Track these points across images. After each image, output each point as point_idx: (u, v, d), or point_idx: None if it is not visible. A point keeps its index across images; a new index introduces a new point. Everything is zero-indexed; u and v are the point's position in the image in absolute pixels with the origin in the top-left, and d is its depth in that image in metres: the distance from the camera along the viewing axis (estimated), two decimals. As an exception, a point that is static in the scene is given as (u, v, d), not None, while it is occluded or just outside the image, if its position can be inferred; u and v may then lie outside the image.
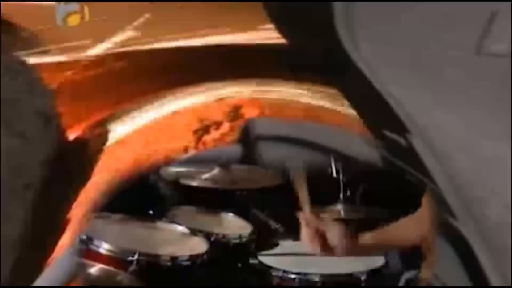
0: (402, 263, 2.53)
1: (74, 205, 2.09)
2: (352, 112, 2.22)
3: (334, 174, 2.88)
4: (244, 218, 2.77)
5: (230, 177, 2.77)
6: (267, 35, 1.97)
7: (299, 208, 2.11)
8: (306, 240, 2.04)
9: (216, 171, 2.77)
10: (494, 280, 1.39)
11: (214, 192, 2.75)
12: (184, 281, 2.27)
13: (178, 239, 2.46)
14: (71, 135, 1.99)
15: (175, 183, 2.80)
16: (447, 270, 1.60)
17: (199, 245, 2.38)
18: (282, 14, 1.78)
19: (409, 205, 1.99)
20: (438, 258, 1.76)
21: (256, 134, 2.97)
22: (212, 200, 2.80)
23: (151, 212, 2.73)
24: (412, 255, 2.20)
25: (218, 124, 2.69)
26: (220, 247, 2.48)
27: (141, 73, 2.12)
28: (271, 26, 1.86)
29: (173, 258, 2.25)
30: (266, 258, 2.40)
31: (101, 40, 1.95)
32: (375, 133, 1.86)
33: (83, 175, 2.15)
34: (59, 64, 1.91)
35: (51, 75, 1.88)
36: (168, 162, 2.72)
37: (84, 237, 2.21)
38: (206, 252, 2.33)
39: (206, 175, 2.75)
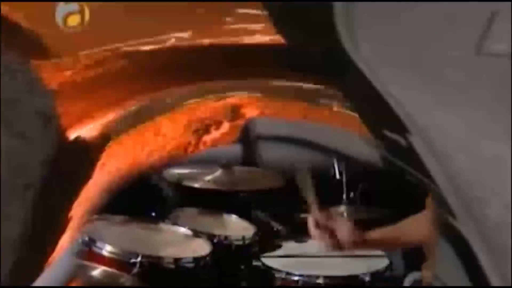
0: (405, 264, 2.54)
1: (74, 205, 2.09)
2: (352, 112, 2.22)
3: (337, 175, 2.89)
4: (247, 219, 2.77)
5: (232, 178, 2.78)
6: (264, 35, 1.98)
7: (304, 210, 2.11)
8: (317, 238, 2.05)
9: (218, 172, 2.78)
10: (494, 280, 1.39)
11: (216, 193, 2.75)
12: (187, 283, 2.27)
13: (180, 241, 2.46)
14: (71, 135, 1.99)
15: (177, 184, 2.81)
16: (447, 270, 1.60)
17: (202, 247, 2.39)
18: (282, 14, 1.78)
19: (410, 205, 1.99)
20: (438, 258, 1.76)
21: (256, 134, 2.98)
22: (214, 201, 2.81)
23: (153, 213, 2.74)
24: (415, 257, 2.20)
25: (218, 124, 2.69)
26: (223, 248, 2.48)
27: (141, 73, 2.12)
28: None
29: (176, 260, 2.25)
30: (269, 260, 2.41)
31: (101, 40, 1.95)
32: (375, 133, 1.86)
33: (83, 175, 2.15)
34: (59, 64, 1.91)
35: (51, 75, 1.88)
36: (168, 162, 2.72)
37: (86, 238, 2.21)
38: (209, 254, 2.33)
39: (208, 177, 2.75)
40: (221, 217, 2.80)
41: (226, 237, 2.54)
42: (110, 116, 2.21)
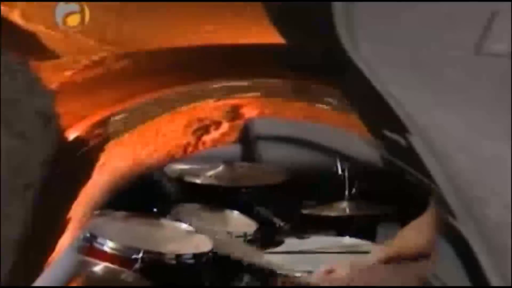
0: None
1: (74, 205, 2.09)
2: (352, 112, 2.22)
3: (340, 172, 2.89)
4: (249, 215, 2.77)
5: (234, 174, 2.77)
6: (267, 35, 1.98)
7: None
8: None
9: (220, 168, 2.77)
10: (494, 280, 1.39)
11: (218, 189, 2.75)
12: (189, 279, 2.27)
13: (182, 237, 2.46)
14: (71, 135, 1.99)
15: (179, 180, 2.80)
16: (447, 270, 1.60)
17: (203, 243, 2.38)
18: (282, 14, 1.78)
19: (411, 203, 1.99)
20: (438, 258, 1.76)
21: (256, 134, 2.98)
22: (216, 197, 2.80)
23: (155, 209, 2.73)
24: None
25: (217, 124, 2.69)
26: (225, 245, 2.48)
27: (141, 73, 2.12)
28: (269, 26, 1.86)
29: (178, 256, 2.25)
30: (271, 256, 2.40)
31: (101, 40, 1.95)
32: (375, 133, 1.86)
33: (83, 175, 2.15)
34: (59, 64, 1.91)
35: (51, 75, 1.88)
36: (168, 162, 2.72)
37: (88, 234, 2.21)
38: (210, 250, 2.33)
39: (210, 172, 2.75)
40: (223, 213, 2.79)
41: (228, 233, 2.54)
42: (110, 116, 2.21)
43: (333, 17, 1.52)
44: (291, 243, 2.57)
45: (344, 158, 2.88)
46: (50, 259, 2.00)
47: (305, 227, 2.69)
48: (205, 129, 2.66)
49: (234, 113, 2.66)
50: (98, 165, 2.22)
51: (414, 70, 1.50)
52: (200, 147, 2.71)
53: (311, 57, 1.90)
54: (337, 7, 1.52)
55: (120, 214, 2.49)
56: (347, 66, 1.55)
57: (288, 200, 2.78)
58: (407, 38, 1.50)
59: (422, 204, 1.92)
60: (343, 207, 2.76)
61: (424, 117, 1.48)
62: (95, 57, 1.97)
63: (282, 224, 2.80)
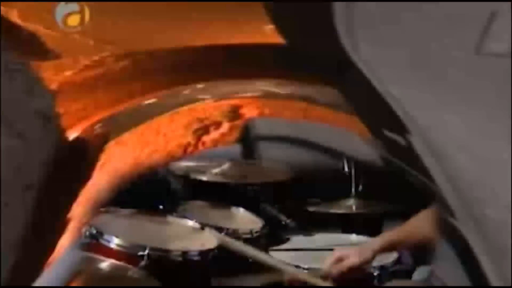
0: (413, 258, 2.54)
1: (74, 205, 2.09)
2: (352, 112, 2.21)
3: (346, 169, 2.90)
4: (255, 213, 2.77)
5: (240, 171, 2.78)
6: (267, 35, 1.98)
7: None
8: None
9: (226, 165, 2.78)
10: (494, 280, 1.39)
11: (224, 186, 2.76)
12: (195, 276, 2.27)
13: (188, 234, 2.46)
14: (71, 135, 1.99)
15: (185, 177, 2.81)
16: (447, 270, 1.60)
17: (209, 240, 2.38)
18: (282, 14, 1.78)
19: (418, 200, 2.00)
20: (438, 258, 1.77)
21: (256, 134, 2.98)
22: (222, 194, 2.81)
23: (161, 206, 2.73)
24: (424, 251, 2.21)
25: (217, 124, 2.69)
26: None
27: (141, 73, 2.12)
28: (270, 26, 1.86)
29: (184, 253, 2.25)
30: (277, 253, 2.41)
31: (101, 40, 1.95)
32: (375, 133, 1.86)
33: (83, 175, 2.15)
34: (59, 64, 1.91)
35: (51, 75, 1.88)
36: (168, 162, 2.72)
37: (94, 231, 2.21)
38: (216, 247, 2.33)
39: (216, 170, 2.76)
40: (229, 210, 2.80)
41: (234, 231, 2.54)
42: (110, 116, 2.21)
43: (333, 17, 1.52)
44: (297, 240, 2.58)
45: (344, 158, 2.89)
46: (50, 259, 2.00)
47: (311, 224, 2.69)
48: (205, 129, 2.66)
49: (234, 113, 2.66)
50: (98, 165, 2.22)
51: (414, 70, 1.50)
52: (200, 147, 2.71)
53: (311, 57, 1.90)
54: (337, 7, 1.52)
55: (127, 211, 2.50)
56: (347, 66, 1.55)
57: (294, 198, 2.79)
58: (407, 38, 1.50)
59: (426, 202, 1.93)
60: (350, 205, 2.77)
61: (424, 117, 1.48)
62: (95, 57, 1.97)
63: (288, 221, 2.81)
